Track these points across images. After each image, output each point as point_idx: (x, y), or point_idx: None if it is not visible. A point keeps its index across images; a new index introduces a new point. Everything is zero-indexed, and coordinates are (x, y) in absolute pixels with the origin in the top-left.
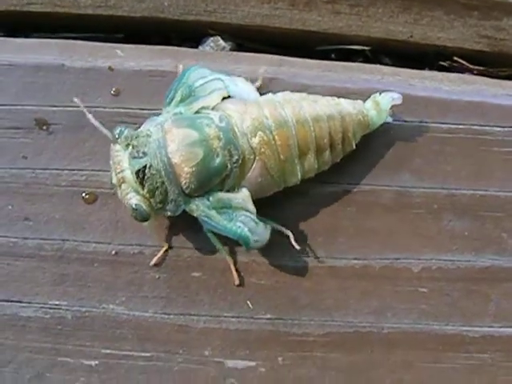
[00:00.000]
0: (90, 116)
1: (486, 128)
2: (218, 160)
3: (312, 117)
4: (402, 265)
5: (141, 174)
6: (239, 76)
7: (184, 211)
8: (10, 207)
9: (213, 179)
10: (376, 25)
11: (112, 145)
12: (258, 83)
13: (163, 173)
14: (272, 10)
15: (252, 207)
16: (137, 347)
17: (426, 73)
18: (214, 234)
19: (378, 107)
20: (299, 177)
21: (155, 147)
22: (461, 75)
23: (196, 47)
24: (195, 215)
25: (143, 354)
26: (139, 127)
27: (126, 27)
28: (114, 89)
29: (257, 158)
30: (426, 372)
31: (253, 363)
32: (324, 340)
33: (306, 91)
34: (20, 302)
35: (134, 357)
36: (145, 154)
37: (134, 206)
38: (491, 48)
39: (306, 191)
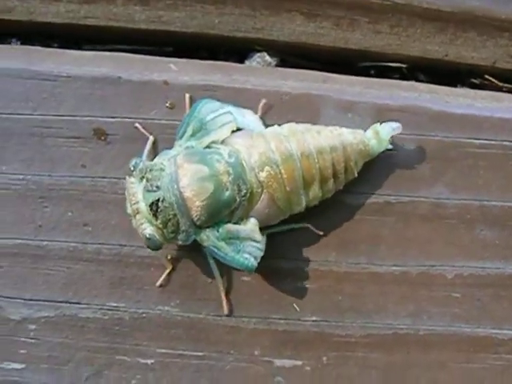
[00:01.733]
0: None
1: None
2: (227, 194)
3: (316, 149)
4: (437, 271)
5: (154, 207)
6: (247, 108)
7: (195, 240)
8: (69, 214)
9: (222, 211)
10: (414, 44)
11: (127, 177)
12: (258, 114)
13: (175, 206)
14: (317, 29)
15: (259, 236)
16: (190, 347)
17: (460, 90)
18: (216, 262)
19: (378, 136)
20: (304, 205)
21: (168, 181)
22: (492, 93)
23: (241, 61)
24: (205, 245)
25: (196, 354)
26: (153, 158)
27: (177, 41)
28: (169, 102)
29: (264, 190)
30: (459, 372)
31: (299, 362)
32: (365, 341)
33: (350, 107)
34: (79, 303)
35: (187, 356)
36: (158, 187)
37: (147, 235)
38: None
39: (350, 202)
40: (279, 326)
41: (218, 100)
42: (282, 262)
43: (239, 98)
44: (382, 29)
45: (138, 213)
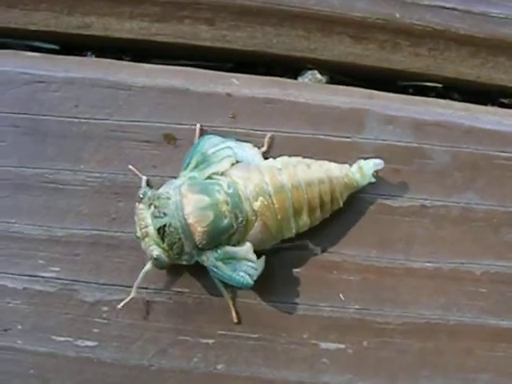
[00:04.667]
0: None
1: None
2: (225, 221)
3: (305, 181)
4: (466, 268)
5: (161, 231)
6: (246, 142)
7: (196, 261)
8: None
9: (221, 236)
10: (449, 66)
11: (137, 203)
12: (264, 148)
13: (180, 231)
14: (364, 51)
15: (253, 257)
16: (247, 329)
17: (490, 108)
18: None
19: (362, 171)
20: (294, 232)
21: (174, 209)
22: None
23: (294, 77)
24: (205, 265)
25: (252, 335)
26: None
27: (237, 58)
28: (231, 112)
29: (258, 218)
30: (484, 359)
31: (342, 346)
32: (401, 328)
33: (392, 121)
34: (147, 288)
35: (244, 337)
36: (165, 214)
37: (155, 256)
38: None
39: (390, 205)
40: (325, 312)
41: (221, 135)
42: (331, 256)
43: (293, 110)
44: (420, 52)
45: (146, 236)
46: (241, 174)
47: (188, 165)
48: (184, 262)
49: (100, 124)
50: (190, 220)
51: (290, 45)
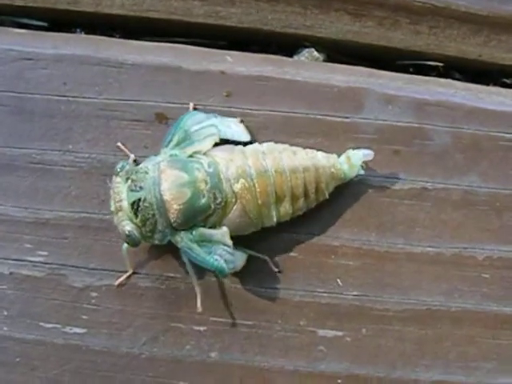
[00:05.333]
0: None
1: None
2: (203, 201)
3: (289, 168)
4: (469, 253)
5: (135, 205)
6: (235, 117)
7: (170, 241)
8: None
9: (197, 217)
10: (450, 44)
11: (114, 176)
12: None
13: (155, 206)
14: (362, 28)
15: (229, 242)
16: (241, 316)
17: (492, 88)
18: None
19: (350, 162)
20: (275, 220)
21: (151, 183)
22: None
23: (290, 56)
24: (179, 246)
25: (246, 323)
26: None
27: (231, 36)
28: (225, 91)
29: (238, 201)
30: (486, 346)
31: (340, 333)
32: (401, 315)
33: (392, 101)
34: (138, 273)
35: (238, 324)
36: (141, 188)
37: (127, 232)
38: None
39: (390, 187)
40: (323, 299)
41: (205, 112)
42: (328, 240)
43: (290, 89)
44: (421, 29)
45: (120, 210)
46: (223, 155)
47: (170, 142)
48: (156, 242)
49: (89, 103)
50: (166, 196)
51: (286, 22)
